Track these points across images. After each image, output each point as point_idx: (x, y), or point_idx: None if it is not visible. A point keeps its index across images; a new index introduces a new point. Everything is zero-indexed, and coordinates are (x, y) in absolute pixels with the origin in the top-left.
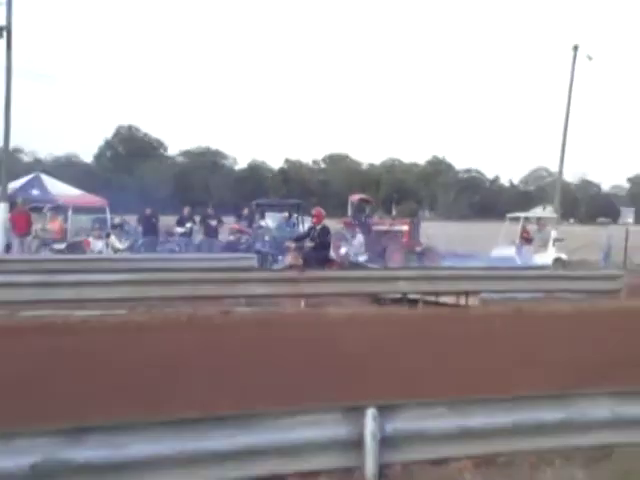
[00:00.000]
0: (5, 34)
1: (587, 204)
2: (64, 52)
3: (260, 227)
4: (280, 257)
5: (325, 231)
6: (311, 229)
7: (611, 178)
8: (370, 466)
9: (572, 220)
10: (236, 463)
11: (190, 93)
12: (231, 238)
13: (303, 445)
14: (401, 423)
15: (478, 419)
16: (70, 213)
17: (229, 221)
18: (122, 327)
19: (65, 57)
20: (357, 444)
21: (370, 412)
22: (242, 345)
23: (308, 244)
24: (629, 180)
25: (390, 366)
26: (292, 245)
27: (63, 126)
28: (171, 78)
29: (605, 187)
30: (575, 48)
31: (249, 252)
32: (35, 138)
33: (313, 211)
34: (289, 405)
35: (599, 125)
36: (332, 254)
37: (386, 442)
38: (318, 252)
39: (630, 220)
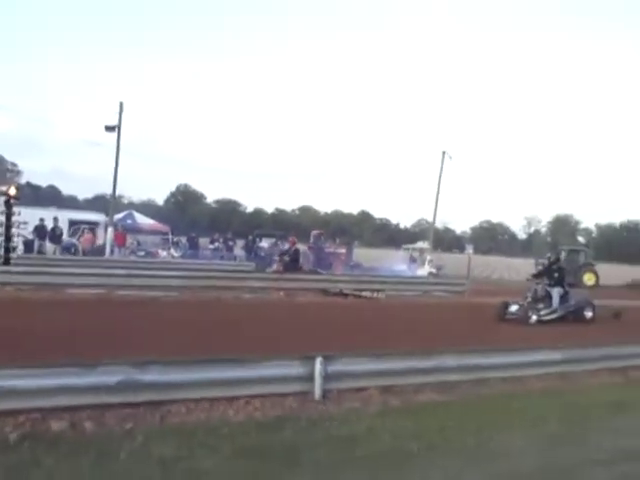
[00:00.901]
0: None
1: (447, 241)
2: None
3: (259, 247)
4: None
5: (297, 251)
6: (288, 249)
7: (461, 225)
8: (318, 391)
9: (439, 250)
10: (237, 386)
11: (222, 163)
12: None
13: (277, 378)
14: (337, 366)
15: (383, 365)
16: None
17: (240, 243)
18: (175, 303)
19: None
20: (310, 378)
21: (318, 359)
22: (246, 317)
23: (286, 258)
24: (471, 228)
25: (332, 332)
26: (277, 258)
27: (150, 182)
28: (211, 155)
29: (458, 231)
30: (443, 153)
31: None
32: (131, 187)
33: (289, 239)
34: (270, 353)
35: (458, 192)
36: (300, 264)
37: (328, 377)
38: (292, 263)
39: (471, 251)
